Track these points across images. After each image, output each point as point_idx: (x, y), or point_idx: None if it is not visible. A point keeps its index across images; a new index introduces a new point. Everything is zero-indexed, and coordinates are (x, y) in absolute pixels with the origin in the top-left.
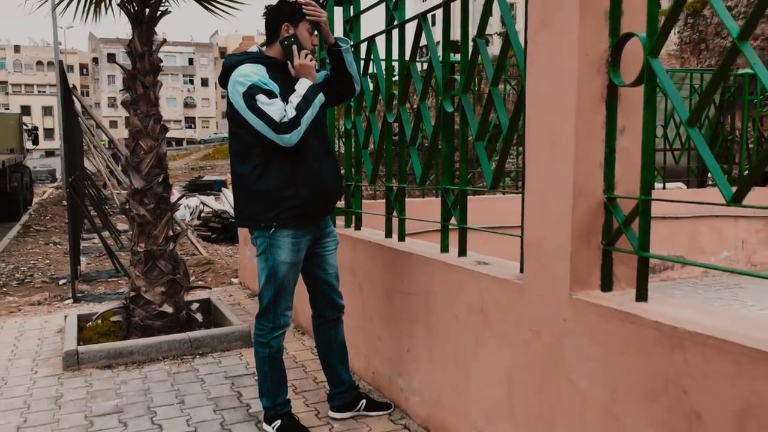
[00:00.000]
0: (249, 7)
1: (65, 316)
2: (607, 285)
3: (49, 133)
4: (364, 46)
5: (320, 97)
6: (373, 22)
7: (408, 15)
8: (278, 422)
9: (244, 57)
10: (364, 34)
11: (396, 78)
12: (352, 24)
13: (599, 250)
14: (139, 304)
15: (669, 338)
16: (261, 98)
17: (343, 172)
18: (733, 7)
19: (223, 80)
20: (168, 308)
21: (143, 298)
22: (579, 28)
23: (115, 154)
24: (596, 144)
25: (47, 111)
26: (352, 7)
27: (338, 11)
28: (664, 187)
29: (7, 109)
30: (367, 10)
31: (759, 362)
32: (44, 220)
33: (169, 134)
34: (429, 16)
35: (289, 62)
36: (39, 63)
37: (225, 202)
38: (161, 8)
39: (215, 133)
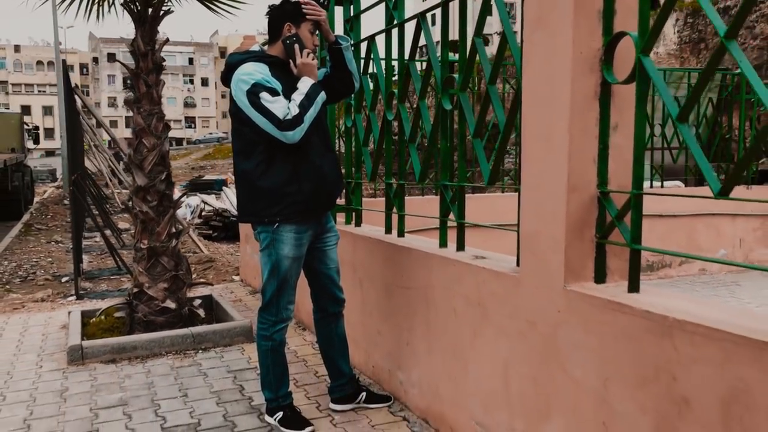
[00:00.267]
0: (249, 7)
1: (69, 312)
2: (600, 277)
3: (49, 133)
4: (364, 46)
5: (322, 95)
6: (373, 21)
7: (407, 14)
8: (280, 414)
9: (247, 56)
10: (364, 33)
11: (396, 77)
12: (352, 23)
13: (593, 243)
14: (142, 300)
15: (659, 327)
16: (265, 96)
17: (343, 170)
18: (732, 6)
19: (226, 78)
20: (171, 304)
21: (146, 294)
22: (573, 27)
23: (117, 153)
24: (590, 140)
25: (47, 111)
26: (352, 6)
27: (339, 11)
28: (662, 186)
29: (8, 108)
30: (367, 9)
31: (744, 348)
32: (45, 218)
33: (169, 134)
34: (428, 15)
35: (291, 61)
36: (39, 63)
37: (226, 200)
38: (164, 8)
39: (210, 134)
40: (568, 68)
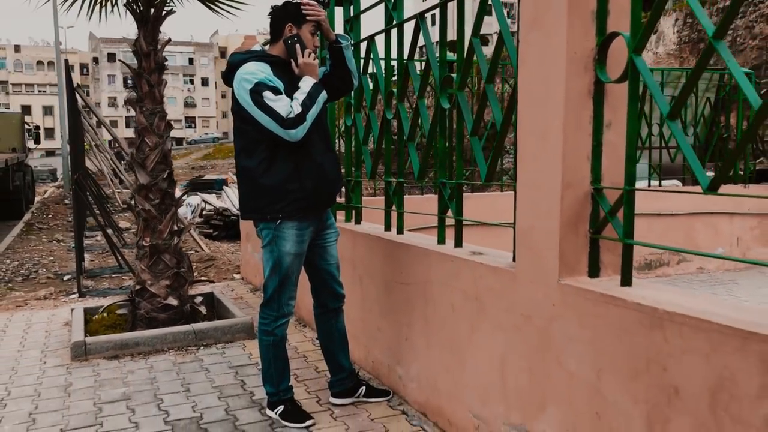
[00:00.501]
0: (249, 7)
1: (72, 309)
2: (594, 271)
3: (49, 133)
4: (364, 46)
5: (323, 94)
6: (372, 21)
7: (407, 15)
8: (281, 407)
9: (249, 55)
10: (364, 33)
11: (395, 76)
12: (352, 23)
13: (587, 238)
14: (144, 297)
15: (650, 319)
16: (268, 95)
17: (343, 169)
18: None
19: (228, 78)
20: (173, 301)
21: (148, 291)
22: (567, 27)
23: (119, 152)
24: (584, 138)
25: (48, 110)
26: (352, 7)
27: (339, 11)
28: (660, 184)
29: (8, 108)
30: (367, 10)
31: (730, 338)
32: (47, 218)
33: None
34: (427, 16)
35: (292, 60)
36: (39, 63)
37: (226, 200)
38: (166, 8)
39: (205, 134)
40: (563, 67)
